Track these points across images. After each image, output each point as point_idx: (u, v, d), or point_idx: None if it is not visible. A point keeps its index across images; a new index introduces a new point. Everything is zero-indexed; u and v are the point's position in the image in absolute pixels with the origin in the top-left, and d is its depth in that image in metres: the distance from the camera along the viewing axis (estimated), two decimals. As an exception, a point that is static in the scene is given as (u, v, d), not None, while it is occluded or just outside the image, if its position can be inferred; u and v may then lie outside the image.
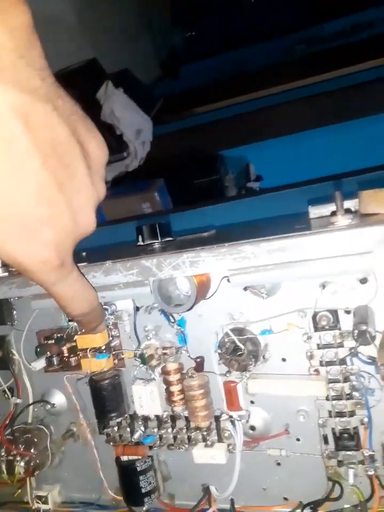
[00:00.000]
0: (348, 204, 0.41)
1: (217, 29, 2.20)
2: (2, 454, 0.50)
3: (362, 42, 1.79)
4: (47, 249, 0.30)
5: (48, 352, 0.50)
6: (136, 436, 0.47)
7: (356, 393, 0.40)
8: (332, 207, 0.40)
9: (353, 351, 0.39)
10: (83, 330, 0.45)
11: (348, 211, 0.38)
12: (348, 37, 1.89)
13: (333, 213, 0.38)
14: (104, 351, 0.47)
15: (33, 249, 0.29)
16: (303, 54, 1.96)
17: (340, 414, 0.40)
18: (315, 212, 0.44)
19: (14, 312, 0.51)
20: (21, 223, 0.28)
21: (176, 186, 1.53)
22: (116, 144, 1.43)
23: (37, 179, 0.27)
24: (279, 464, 0.45)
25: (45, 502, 0.52)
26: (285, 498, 0.45)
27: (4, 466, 0.50)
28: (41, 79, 0.26)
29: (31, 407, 0.52)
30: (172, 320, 0.45)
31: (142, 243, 0.47)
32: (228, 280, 0.40)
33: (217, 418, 0.45)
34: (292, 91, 1.69)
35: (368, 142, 1.39)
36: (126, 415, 0.48)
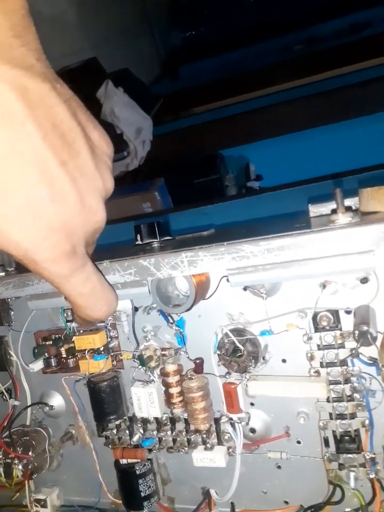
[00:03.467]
0: (349, 202, 0.41)
1: (216, 28, 2.19)
2: (0, 457, 0.49)
3: (361, 42, 1.78)
4: (54, 232, 0.27)
5: (46, 354, 0.50)
6: (135, 438, 0.47)
7: (357, 395, 0.39)
8: (332, 205, 0.40)
9: (354, 352, 0.38)
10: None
11: (348, 209, 0.37)
12: (347, 36, 1.89)
13: (333, 211, 0.37)
14: (103, 352, 0.46)
15: (39, 233, 0.27)
16: (302, 53, 1.96)
17: (341, 416, 0.40)
18: (315, 210, 0.43)
19: (11, 312, 0.51)
20: (23, 205, 0.26)
21: (176, 186, 1.52)
22: (115, 143, 1.43)
23: (37, 155, 0.26)
24: (279, 467, 0.44)
25: (44, 506, 0.52)
26: (286, 502, 0.44)
27: (1, 470, 0.49)
28: (36, 59, 0.26)
29: (29, 409, 0.52)
30: (171, 320, 0.44)
31: (140, 242, 0.46)
32: (228, 280, 0.39)
33: (217, 421, 0.44)
34: (292, 90, 1.69)
35: (368, 140, 1.39)
36: (124, 417, 0.47)
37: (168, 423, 0.46)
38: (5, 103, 0.25)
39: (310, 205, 0.43)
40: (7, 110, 0.25)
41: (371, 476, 0.39)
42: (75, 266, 0.30)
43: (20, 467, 0.48)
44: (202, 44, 2.20)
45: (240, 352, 0.41)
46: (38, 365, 0.50)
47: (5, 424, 0.50)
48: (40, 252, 0.28)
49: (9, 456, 0.49)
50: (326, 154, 1.49)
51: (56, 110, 0.26)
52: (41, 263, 0.28)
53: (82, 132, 0.28)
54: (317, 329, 0.40)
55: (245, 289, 0.41)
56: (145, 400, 0.45)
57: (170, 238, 0.47)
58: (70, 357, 0.49)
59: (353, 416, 0.40)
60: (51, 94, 0.26)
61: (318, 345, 0.40)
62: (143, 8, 2.10)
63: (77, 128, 0.28)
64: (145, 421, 0.47)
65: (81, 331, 0.48)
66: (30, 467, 0.49)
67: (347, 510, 0.42)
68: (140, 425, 0.47)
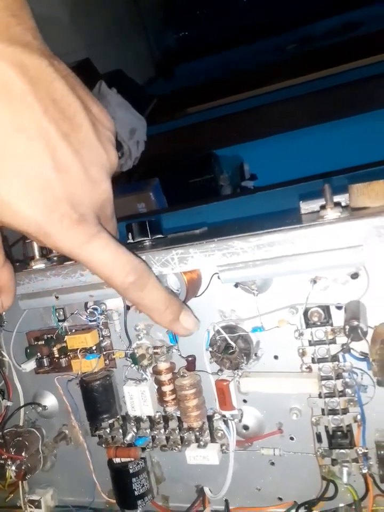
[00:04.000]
0: (340, 198, 0.41)
1: (210, 29, 2.19)
2: (-7, 457, 0.49)
3: (352, 41, 1.79)
4: (60, 203, 0.28)
5: (38, 353, 0.50)
6: (129, 437, 0.47)
7: (348, 390, 0.39)
8: (323, 202, 0.40)
9: (345, 347, 0.38)
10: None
11: (337, 205, 0.37)
12: (339, 36, 1.90)
13: (322, 207, 0.37)
14: (95, 351, 0.46)
15: (47, 206, 0.28)
16: (294, 53, 1.97)
17: (333, 412, 0.40)
18: (306, 207, 0.43)
19: (3, 313, 0.51)
20: (30, 179, 0.27)
21: (171, 186, 1.52)
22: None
23: (40, 129, 0.26)
24: (273, 463, 0.44)
25: (38, 506, 0.52)
26: (280, 498, 0.44)
27: (-6, 470, 0.49)
28: (33, 37, 0.27)
29: (22, 409, 0.52)
30: (163, 319, 0.44)
31: (132, 240, 0.46)
32: (219, 277, 0.39)
33: (210, 418, 0.44)
34: (285, 90, 1.69)
35: (360, 139, 1.39)
36: (118, 416, 0.47)
37: (161, 421, 0.46)
38: (5, 80, 0.25)
39: (301, 202, 0.43)
40: (8, 86, 0.25)
41: (364, 471, 0.40)
42: (89, 233, 0.30)
43: (13, 468, 0.48)
44: (196, 44, 2.21)
45: (232, 349, 0.41)
46: (31, 365, 0.49)
47: (-2, 425, 0.50)
48: (50, 224, 0.28)
49: (2, 457, 0.49)
50: (320, 153, 1.49)
51: (55, 85, 0.27)
52: (54, 235, 0.29)
53: (82, 106, 0.29)
54: (308, 325, 0.40)
55: (236, 286, 0.41)
56: (138, 399, 0.45)
57: (162, 236, 0.47)
58: (62, 357, 0.48)
59: (345, 411, 0.40)
60: (49, 69, 0.27)
61: (310, 341, 0.40)
62: (136, 9, 2.10)
63: (76, 102, 0.28)
64: (138, 420, 0.47)
65: (73, 330, 0.48)
66: (23, 468, 0.49)
67: (340, 505, 0.42)
68: (133, 424, 0.47)
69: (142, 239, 0.46)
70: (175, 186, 1.56)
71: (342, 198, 0.41)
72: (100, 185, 0.30)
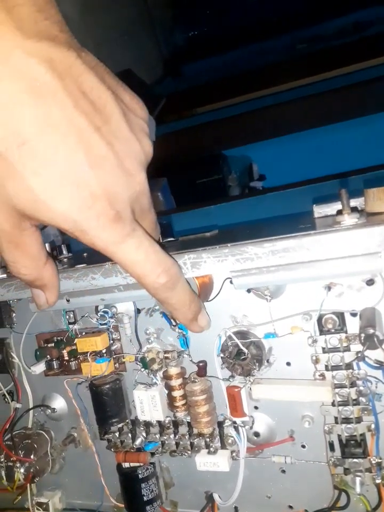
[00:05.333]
0: (354, 202, 0.40)
1: (219, 28, 2.18)
2: (2, 460, 0.49)
3: (364, 41, 1.77)
4: (97, 200, 0.28)
5: (48, 356, 0.49)
6: (138, 441, 0.46)
7: (362, 399, 0.38)
8: (336, 206, 0.39)
9: (360, 355, 0.37)
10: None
11: (354, 210, 0.36)
12: (350, 35, 1.88)
13: (339, 212, 0.37)
14: (105, 354, 0.46)
15: (83, 202, 0.28)
16: (305, 52, 1.95)
17: (346, 420, 0.39)
18: (320, 211, 0.42)
19: (13, 314, 0.51)
20: (65, 175, 0.27)
21: (179, 186, 1.52)
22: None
23: (71, 124, 0.26)
24: (283, 471, 0.43)
25: (46, 509, 0.52)
26: (290, 507, 0.44)
27: (3, 473, 0.49)
28: (60, 30, 0.27)
29: (31, 411, 0.52)
30: (174, 323, 0.44)
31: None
32: (231, 282, 0.39)
33: (220, 424, 0.44)
34: (295, 89, 1.68)
35: (372, 139, 1.38)
36: (127, 421, 0.47)
37: (171, 427, 0.46)
38: (36, 76, 0.25)
39: (314, 205, 0.43)
40: (37, 83, 0.25)
41: (377, 481, 0.39)
42: (124, 232, 0.30)
43: (22, 470, 0.48)
44: (205, 43, 2.20)
45: (244, 355, 0.40)
46: (40, 367, 0.49)
47: (7, 427, 0.50)
48: (87, 221, 0.28)
49: (11, 459, 0.49)
50: (330, 154, 1.48)
51: (84, 78, 0.27)
52: (90, 231, 0.29)
53: (112, 96, 0.28)
54: (322, 332, 0.39)
55: (248, 291, 0.41)
56: (147, 403, 0.45)
57: (173, 239, 0.46)
58: (72, 360, 0.48)
59: (359, 420, 0.39)
60: (77, 62, 0.27)
61: (323, 348, 0.39)
62: (145, 8, 2.10)
63: (106, 93, 0.28)
64: (147, 424, 0.47)
65: (84, 333, 0.48)
66: (31, 470, 0.49)
67: (352, 515, 0.41)
68: (142, 428, 0.47)
69: (153, 242, 0.45)
70: (183, 187, 1.56)
71: (356, 202, 0.41)
72: (134, 178, 0.30)
